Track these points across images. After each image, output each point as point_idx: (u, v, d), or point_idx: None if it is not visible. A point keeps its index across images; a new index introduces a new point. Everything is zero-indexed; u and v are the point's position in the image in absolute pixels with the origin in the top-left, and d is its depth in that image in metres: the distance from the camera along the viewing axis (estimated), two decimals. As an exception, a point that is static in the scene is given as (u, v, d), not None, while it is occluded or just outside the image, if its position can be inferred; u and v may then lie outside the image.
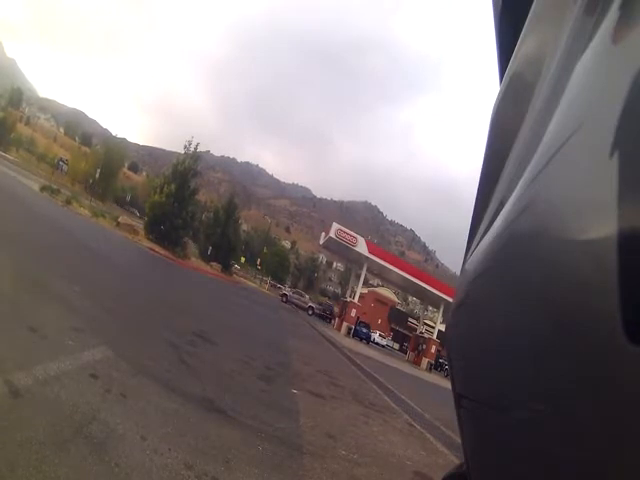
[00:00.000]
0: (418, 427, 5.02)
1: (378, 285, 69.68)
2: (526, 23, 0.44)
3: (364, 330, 26.22)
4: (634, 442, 0.19)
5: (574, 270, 0.23)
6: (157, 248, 18.30)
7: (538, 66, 0.39)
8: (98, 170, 37.27)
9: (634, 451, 0.19)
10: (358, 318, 25.40)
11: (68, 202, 16.55)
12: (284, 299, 32.40)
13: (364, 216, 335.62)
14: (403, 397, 6.73)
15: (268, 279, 59.53)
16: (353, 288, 26.26)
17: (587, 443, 0.22)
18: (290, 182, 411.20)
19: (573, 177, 0.26)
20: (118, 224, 18.40)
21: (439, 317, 26.06)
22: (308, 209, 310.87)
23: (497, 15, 0.57)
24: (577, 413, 0.22)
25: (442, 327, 22.32)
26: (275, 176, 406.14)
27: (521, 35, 0.45)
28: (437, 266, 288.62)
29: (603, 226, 0.21)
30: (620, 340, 0.19)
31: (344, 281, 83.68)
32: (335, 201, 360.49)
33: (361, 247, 22.39)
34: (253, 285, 46.88)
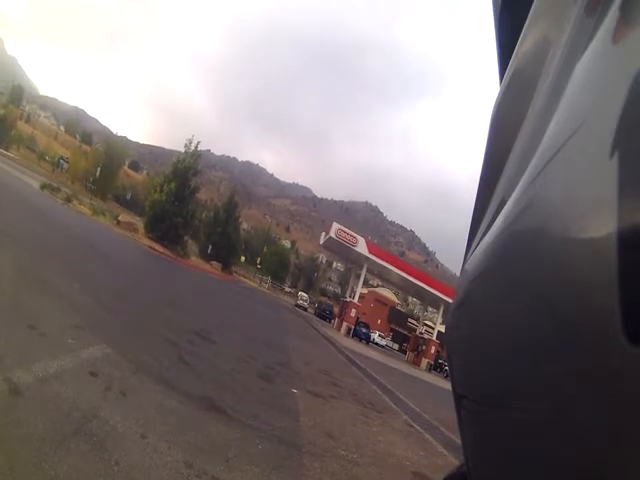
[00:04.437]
0: (417, 427, 5.02)
1: (378, 285, 69.72)
2: (526, 23, 0.44)
3: (364, 330, 26.21)
4: (634, 442, 0.19)
5: (574, 270, 0.23)
6: (157, 246, 18.30)
7: (538, 66, 0.39)
8: (98, 168, 37.27)
9: (634, 451, 0.19)
10: (358, 318, 25.39)
11: (68, 200, 16.53)
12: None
13: (364, 216, 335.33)
14: (402, 397, 6.73)
15: (268, 278, 59.51)
16: (353, 288, 26.27)
17: (587, 443, 0.22)
18: (290, 182, 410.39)
19: (573, 177, 0.26)
20: (118, 222, 18.39)
21: (439, 318, 26.06)
22: (308, 209, 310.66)
23: (497, 15, 0.56)
24: (577, 413, 0.22)
25: (442, 328, 22.33)
26: (275, 175, 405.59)
27: (521, 35, 0.45)
28: (437, 267, 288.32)
29: (603, 226, 0.21)
30: (620, 340, 0.19)
31: (344, 281, 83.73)
32: (335, 201, 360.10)
33: (361, 247, 22.40)
34: (253, 284, 46.92)
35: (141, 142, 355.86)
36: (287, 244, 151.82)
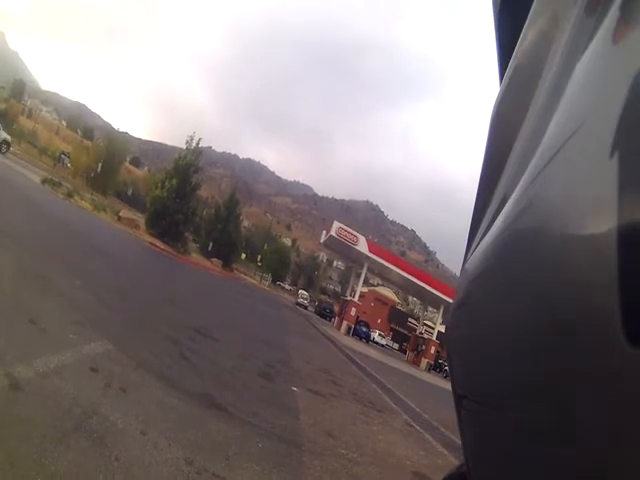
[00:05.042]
0: (417, 427, 5.01)
1: (378, 284, 69.71)
2: (526, 23, 0.44)
3: (364, 329, 26.24)
4: (634, 442, 0.19)
5: (575, 270, 0.23)
6: (158, 243, 18.28)
7: (538, 66, 0.39)
8: (100, 164, 37.20)
9: (634, 451, 0.19)
10: (358, 317, 25.41)
11: (69, 195, 16.49)
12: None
13: (365, 215, 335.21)
14: (402, 397, 6.73)
15: (268, 276, 59.55)
16: (353, 287, 26.27)
17: (587, 443, 0.22)
18: (292, 180, 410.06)
19: (574, 176, 0.26)
20: (119, 218, 18.38)
21: (439, 318, 26.05)
22: (309, 207, 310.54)
23: (497, 15, 0.56)
24: (577, 413, 0.22)
25: (442, 328, 22.32)
26: (277, 173, 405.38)
27: (521, 35, 0.44)
28: (438, 266, 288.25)
29: (604, 226, 0.21)
30: (620, 340, 0.19)
31: (344, 280, 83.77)
32: (336, 199, 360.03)
33: (362, 246, 22.38)
34: (253, 282, 46.96)
35: (143, 138, 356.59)
36: (288, 242, 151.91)
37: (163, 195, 20.64)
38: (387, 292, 65.87)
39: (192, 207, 22.62)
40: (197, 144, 22.88)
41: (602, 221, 0.21)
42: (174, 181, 20.98)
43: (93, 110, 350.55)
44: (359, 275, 24.71)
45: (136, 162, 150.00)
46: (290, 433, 2.90)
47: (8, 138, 21.06)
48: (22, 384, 1.89)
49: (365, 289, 50.85)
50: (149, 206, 21.32)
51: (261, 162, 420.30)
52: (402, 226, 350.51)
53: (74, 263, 5.37)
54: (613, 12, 0.27)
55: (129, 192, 50.90)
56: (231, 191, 38.84)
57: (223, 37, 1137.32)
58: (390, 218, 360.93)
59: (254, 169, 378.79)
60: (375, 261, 22.69)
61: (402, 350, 40.33)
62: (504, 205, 0.34)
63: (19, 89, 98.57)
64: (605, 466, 0.21)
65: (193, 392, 2.85)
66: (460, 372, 0.38)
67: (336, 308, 33.23)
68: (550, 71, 0.36)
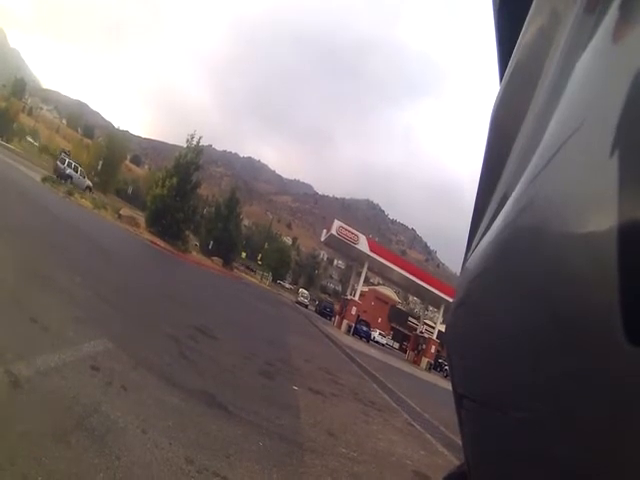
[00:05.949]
0: (417, 426, 5.01)
1: (379, 283, 69.73)
2: (526, 21, 0.44)
3: (364, 328, 26.27)
4: (634, 442, 0.19)
5: (575, 269, 0.23)
6: (158, 241, 18.29)
7: (538, 65, 0.39)
8: (100, 162, 37.25)
9: (634, 451, 0.19)
10: (358, 316, 25.43)
11: (69, 193, 16.50)
12: None
13: (365, 214, 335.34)
14: (403, 396, 6.73)
15: (268, 275, 59.61)
16: (354, 286, 26.28)
17: (587, 443, 0.22)
18: (292, 178, 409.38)
19: (574, 176, 0.26)
20: (120, 216, 18.38)
21: (439, 317, 26.07)
22: (310, 206, 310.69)
23: (496, 14, 0.55)
24: (577, 413, 0.22)
25: (442, 327, 22.32)
26: (277, 172, 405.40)
27: (520, 34, 0.44)
28: (438, 266, 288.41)
29: (604, 224, 0.21)
30: (620, 339, 0.19)
31: (345, 279, 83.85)
32: (337, 198, 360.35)
33: (362, 245, 22.38)
34: (254, 280, 47.00)
35: (143, 136, 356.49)
36: (288, 241, 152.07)
37: (163, 193, 20.65)
38: (388, 291, 65.88)
39: (192, 205, 22.63)
40: (197, 142, 22.89)
41: (602, 219, 0.21)
42: (174, 179, 20.99)
43: (94, 109, 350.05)
44: (359, 274, 24.72)
45: (136, 160, 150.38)
46: (291, 432, 2.90)
47: (90, 184, 26.34)
48: (22, 382, 1.88)
49: (365, 288, 50.83)
50: (149, 204, 21.34)
51: (261, 160, 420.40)
52: (402, 225, 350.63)
53: (74, 260, 5.36)
54: (613, 11, 0.27)
55: (129, 190, 50.88)
56: (231, 190, 38.81)
57: (224, 35, 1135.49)
58: (390, 217, 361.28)
59: (255, 168, 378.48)
60: (375, 260, 22.70)
61: (402, 349, 40.38)
62: (504, 204, 0.34)
63: (20, 87, 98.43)
64: (605, 466, 0.20)
65: (194, 391, 2.84)
66: (460, 371, 0.38)
67: (336, 307, 33.27)
68: (550, 70, 0.36)
